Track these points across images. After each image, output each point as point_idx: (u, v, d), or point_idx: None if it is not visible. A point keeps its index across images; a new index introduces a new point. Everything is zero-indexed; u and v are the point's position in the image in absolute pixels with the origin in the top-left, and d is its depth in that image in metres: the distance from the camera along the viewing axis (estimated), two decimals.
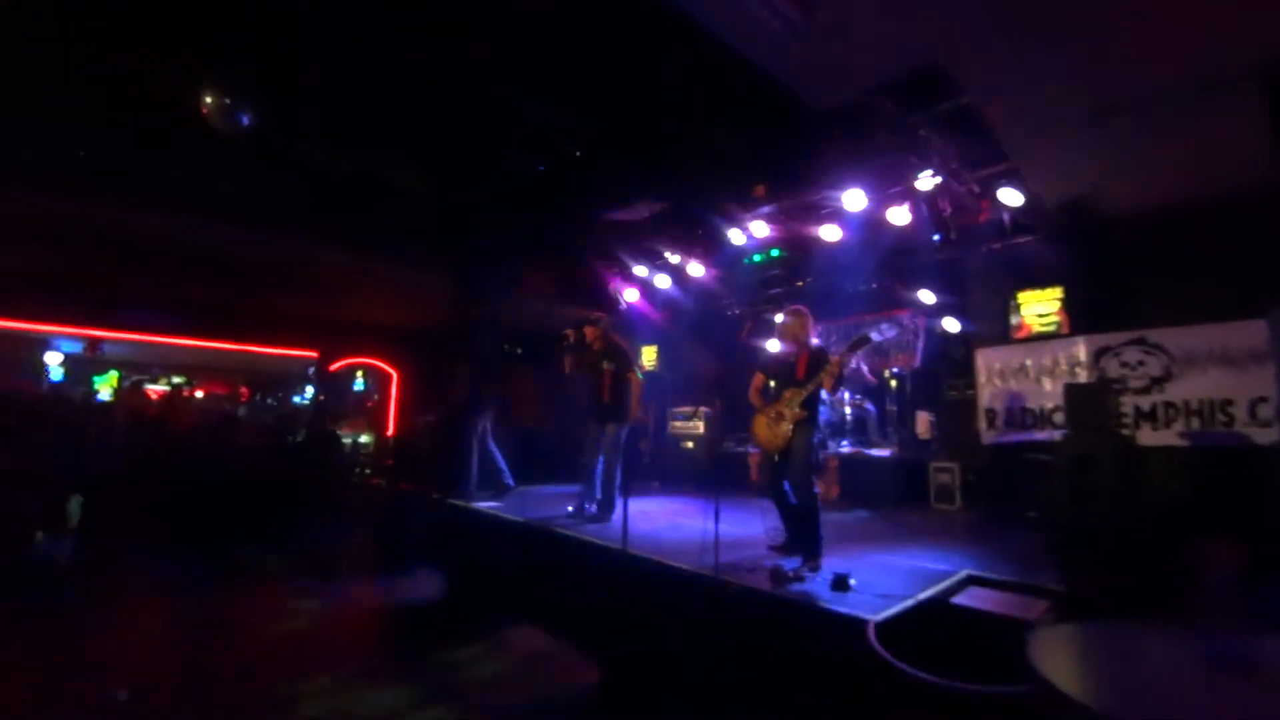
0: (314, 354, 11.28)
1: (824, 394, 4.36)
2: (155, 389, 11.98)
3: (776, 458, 4.20)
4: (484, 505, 6.34)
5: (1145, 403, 5.17)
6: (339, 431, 9.87)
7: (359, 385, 12.41)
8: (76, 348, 10.64)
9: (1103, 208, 5.11)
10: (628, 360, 5.53)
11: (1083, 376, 5.34)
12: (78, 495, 5.90)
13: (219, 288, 8.67)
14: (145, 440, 7.49)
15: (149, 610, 4.74)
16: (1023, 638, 1.81)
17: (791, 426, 4.07)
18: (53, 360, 10.86)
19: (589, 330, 5.63)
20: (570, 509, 5.63)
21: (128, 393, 11.43)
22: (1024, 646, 1.75)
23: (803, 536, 4.08)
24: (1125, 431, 4.90)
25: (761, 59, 3.42)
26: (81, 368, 11.56)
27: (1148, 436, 5.08)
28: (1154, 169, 4.61)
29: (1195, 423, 4.95)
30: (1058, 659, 1.76)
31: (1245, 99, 3.66)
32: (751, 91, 3.81)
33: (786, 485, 4.15)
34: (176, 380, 12.44)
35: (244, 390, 13.62)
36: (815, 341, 4.29)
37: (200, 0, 3.78)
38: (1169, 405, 5.08)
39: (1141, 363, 5.22)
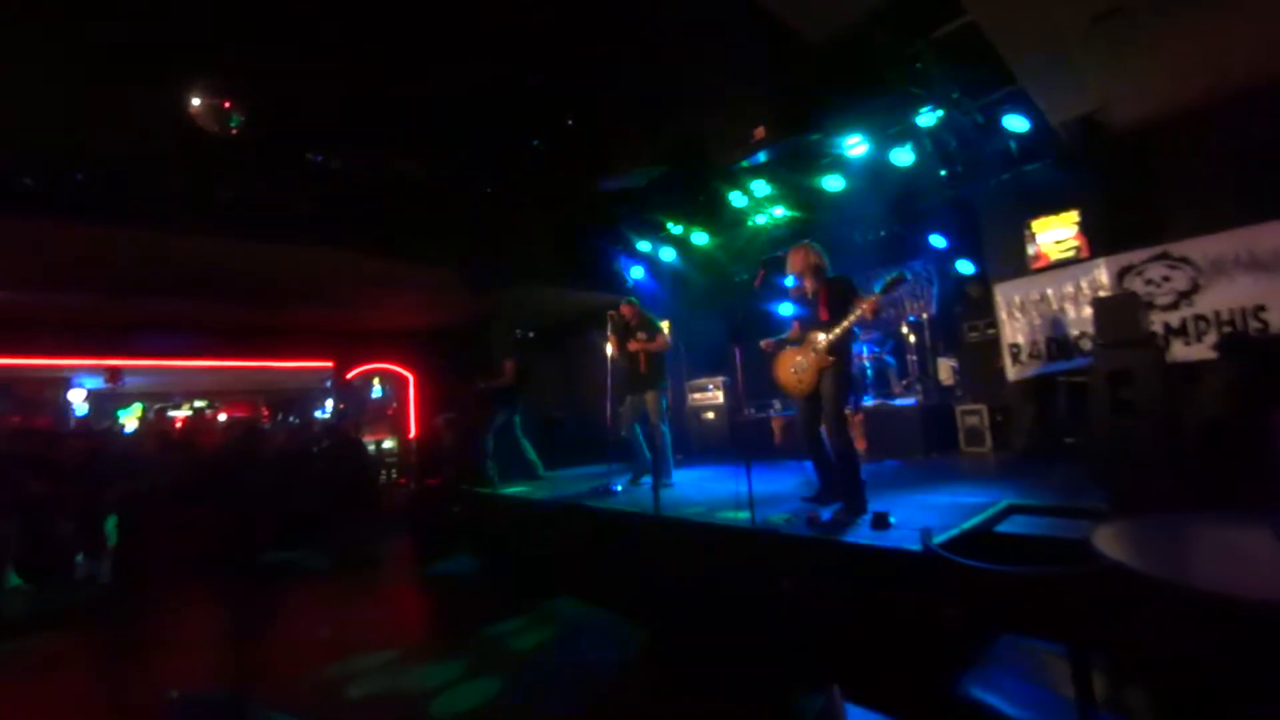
0: (330, 364, 11.35)
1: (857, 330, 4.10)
2: (179, 415, 12.13)
3: (808, 403, 4.02)
4: (511, 490, 6.35)
5: (1174, 318, 5.02)
6: (362, 438, 9.95)
7: (377, 392, 12.49)
8: (99, 383, 10.80)
9: (1113, 121, 4.94)
10: (658, 330, 5.81)
11: None
12: (113, 516, 5.99)
13: (230, 305, 8.70)
14: (174, 460, 7.59)
15: (193, 615, 4.80)
16: (1072, 555, 1.75)
17: (816, 373, 3.88)
18: (76, 398, 11.03)
19: (625, 309, 5.87)
20: (619, 487, 5.66)
21: (153, 420, 11.59)
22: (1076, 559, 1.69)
23: (841, 483, 3.90)
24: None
25: None
26: (105, 403, 11.74)
27: (1180, 352, 4.93)
28: (1162, 72, 4.44)
29: (1229, 331, 4.79)
30: (1118, 546, 1.69)
31: None
32: (747, 27, 3.69)
33: (821, 431, 4.00)
34: (199, 404, 12.60)
35: (265, 410, 13.78)
36: (829, 273, 4.00)
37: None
38: (1199, 318, 4.93)
39: (1167, 278, 5.07)
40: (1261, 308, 4.67)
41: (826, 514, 3.82)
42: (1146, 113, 4.84)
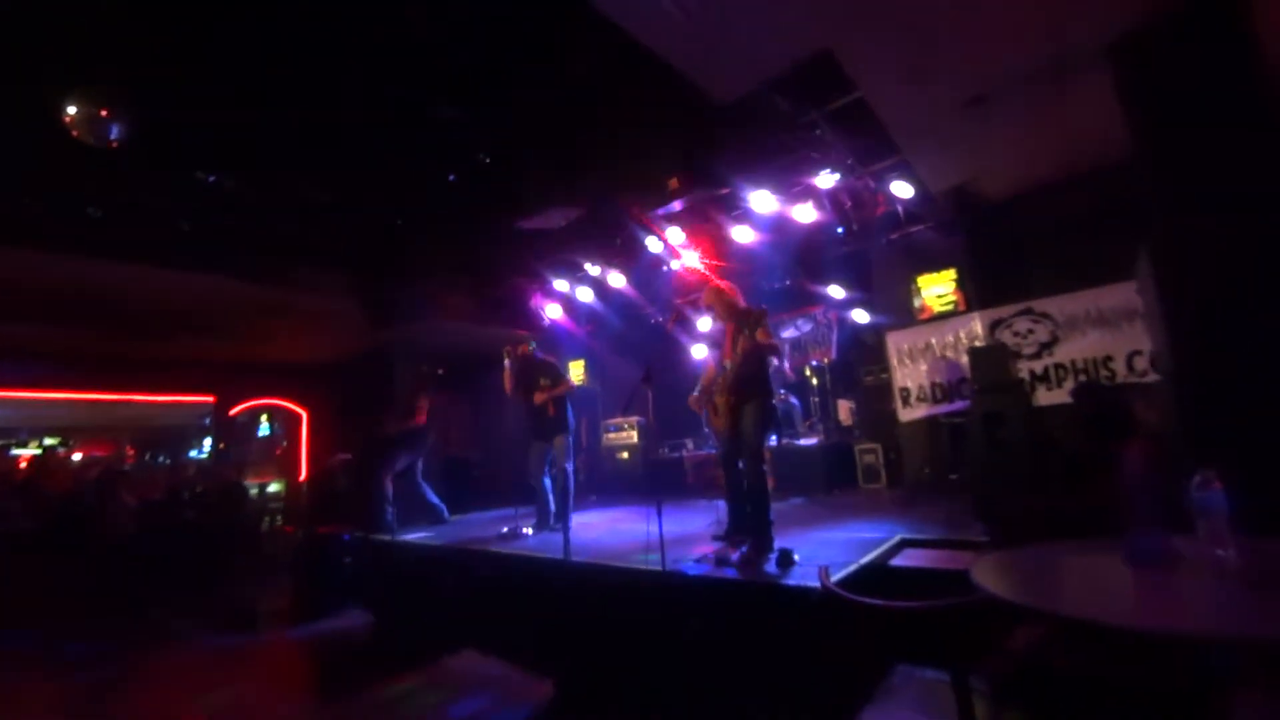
0: (210, 399, 10.41)
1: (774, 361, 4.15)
2: (24, 454, 10.65)
3: (730, 441, 4.05)
4: (412, 536, 5.99)
5: (1038, 366, 5.61)
6: (243, 481, 9.09)
7: (264, 430, 11.54)
8: None
9: (984, 192, 5.56)
10: (562, 375, 5.68)
11: None
12: None
13: (92, 330, 7.84)
14: (15, 505, 6.62)
15: (30, 684, 4.12)
16: (958, 585, 1.87)
17: (730, 412, 3.95)
18: None
19: (523, 349, 5.72)
20: (530, 531, 5.45)
21: None
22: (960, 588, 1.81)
23: (752, 522, 3.93)
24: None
25: (661, 46, 3.48)
26: None
27: (1043, 397, 5.49)
28: (1023, 153, 5.08)
29: (1083, 379, 5.39)
30: (992, 577, 1.82)
31: (1096, 77, 4.05)
32: (661, 85, 3.86)
33: (741, 467, 4.03)
34: (49, 442, 11.11)
35: (129, 449, 12.34)
36: (740, 304, 4.18)
37: None
38: (1058, 366, 5.53)
39: (1031, 330, 5.68)
40: (1109, 358, 5.31)
41: (735, 554, 3.86)
42: (1009, 186, 5.49)
